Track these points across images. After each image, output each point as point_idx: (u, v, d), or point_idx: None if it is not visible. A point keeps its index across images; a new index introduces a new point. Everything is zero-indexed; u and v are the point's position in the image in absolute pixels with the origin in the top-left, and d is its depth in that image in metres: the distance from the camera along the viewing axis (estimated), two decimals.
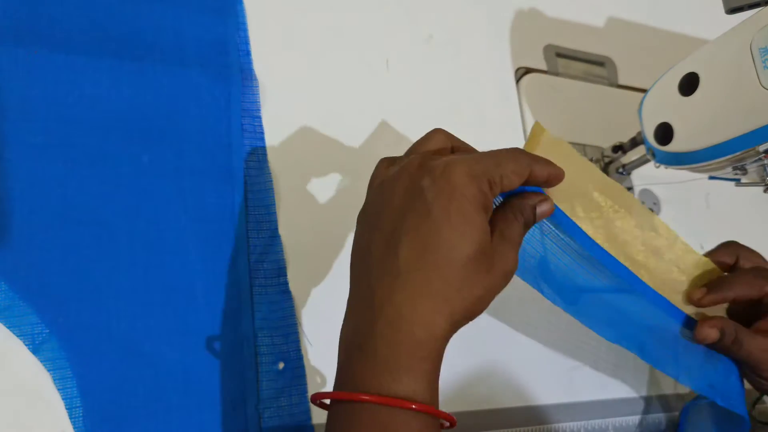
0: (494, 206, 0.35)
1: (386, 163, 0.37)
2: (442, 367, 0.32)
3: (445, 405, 0.45)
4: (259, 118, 0.47)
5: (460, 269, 0.32)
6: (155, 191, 0.42)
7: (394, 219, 0.33)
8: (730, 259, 0.45)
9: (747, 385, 0.46)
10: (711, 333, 0.43)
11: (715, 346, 0.44)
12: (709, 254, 0.46)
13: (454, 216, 0.32)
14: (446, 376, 0.46)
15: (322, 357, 0.43)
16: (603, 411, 0.51)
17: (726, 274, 0.45)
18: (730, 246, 0.46)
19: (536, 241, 0.40)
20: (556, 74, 0.61)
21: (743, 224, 0.63)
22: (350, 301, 0.34)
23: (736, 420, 0.46)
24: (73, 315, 0.38)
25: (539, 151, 0.38)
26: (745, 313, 0.45)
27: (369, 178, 0.49)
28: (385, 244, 0.33)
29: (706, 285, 0.44)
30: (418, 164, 0.34)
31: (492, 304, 0.34)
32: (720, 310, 0.46)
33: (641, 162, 0.54)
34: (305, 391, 0.42)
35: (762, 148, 0.41)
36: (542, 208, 0.36)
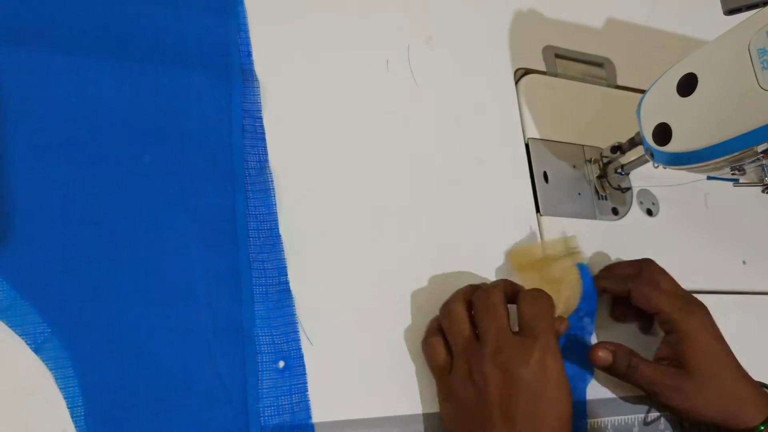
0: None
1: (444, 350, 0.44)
2: None
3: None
4: (260, 118, 0.47)
5: (565, 427, 0.40)
6: (156, 191, 0.42)
7: (503, 406, 0.39)
8: (634, 271, 0.51)
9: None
10: (604, 356, 0.47)
11: (612, 372, 0.48)
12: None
13: (554, 390, 0.40)
14: None
15: (322, 356, 0.43)
16: (604, 410, 0.51)
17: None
18: (633, 262, 0.52)
19: None
20: (555, 75, 0.61)
21: (742, 225, 0.64)
22: None
23: None
24: (75, 314, 0.38)
25: (522, 274, 0.50)
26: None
27: (369, 177, 0.49)
28: (503, 425, 0.39)
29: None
30: (507, 357, 0.40)
31: None
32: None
33: (640, 162, 0.54)
34: (306, 390, 0.42)
35: (760, 148, 0.41)
36: (562, 330, 0.44)
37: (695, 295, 0.50)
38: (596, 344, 0.47)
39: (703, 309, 0.47)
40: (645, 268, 0.50)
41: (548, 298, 0.43)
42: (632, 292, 0.48)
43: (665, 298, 0.47)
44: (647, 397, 0.49)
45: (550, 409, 0.39)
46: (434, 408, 0.45)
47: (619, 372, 0.47)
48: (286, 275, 0.44)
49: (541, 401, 0.39)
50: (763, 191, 0.46)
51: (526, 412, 0.39)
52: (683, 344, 0.46)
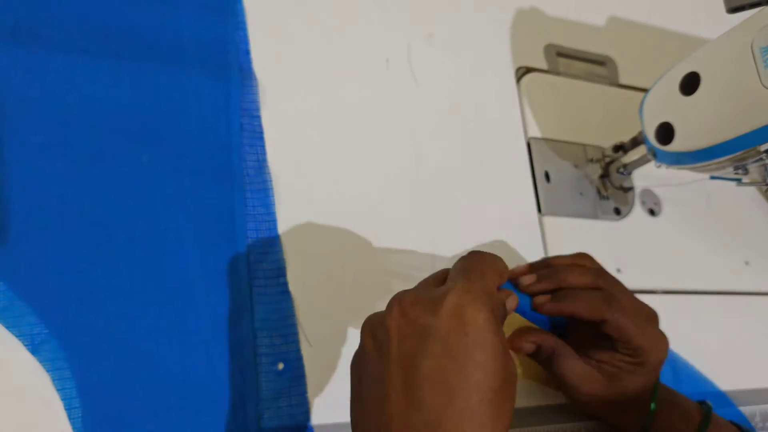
0: None
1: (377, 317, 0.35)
2: None
3: None
4: (259, 117, 0.47)
5: (489, 406, 0.30)
6: (154, 191, 0.42)
7: (405, 366, 0.31)
8: (593, 285, 0.43)
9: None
10: (525, 346, 0.43)
11: (534, 358, 0.45)
12: (563, 260, 0.45)
13: (474, 350, 0.30)
14: None
15: (321, 358, 0.43)
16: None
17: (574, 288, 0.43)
18: (594, 272, 0.44)
19: None
20: (557, 74, 0.61)
21: (745, 225, 0.63)
22: None
23: None
24: (72, 315, 0.38)
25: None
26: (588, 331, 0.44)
27: (369, 178, 0.49)
28: (403, 395, 0.30)
29: (552, 294, 0.43)
30: (411, 302, 0.32)
31: None
32: None
33: (642, 162, 0.54)
34: (305, 391, 0.41)
35: (763, 147, 0.41)
36: (510, 304, 0.36)
37: (696, 296, 0.49)
38: (522, 332, 0.44)
39: (666, 342, 0.44)
40: (603, 282, 0.43)
41: (494, 257, 0.36)
42: (608, 322, 0.41)
43: (639, 331, 0.42)
44: None
45: (466, 374, 0.30)
46: None
47: (540, 361, 0.44)
48: (285, 276, 0.44)
49: (454, 363, 0.30)
50: (766, 191, 0.45)
51: (433, 376, 0.30)
52: (638, 371, 0.42)
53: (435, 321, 0.31)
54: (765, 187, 0.45)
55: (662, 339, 0.43)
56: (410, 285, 0.47)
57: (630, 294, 0.44)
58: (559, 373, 0.43)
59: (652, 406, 0.43)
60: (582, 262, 0.45)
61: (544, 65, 0.60)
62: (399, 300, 0.32)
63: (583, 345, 0.44)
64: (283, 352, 0.42)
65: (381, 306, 0.45)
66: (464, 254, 0.37)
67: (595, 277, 0.43)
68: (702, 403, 0.45)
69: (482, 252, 0.36)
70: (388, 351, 0.31)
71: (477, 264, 0.35)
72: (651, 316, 0.43)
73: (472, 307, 0.31)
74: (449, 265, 0.49)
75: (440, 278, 0.36)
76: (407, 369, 0.30)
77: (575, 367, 0.43)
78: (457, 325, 0.30)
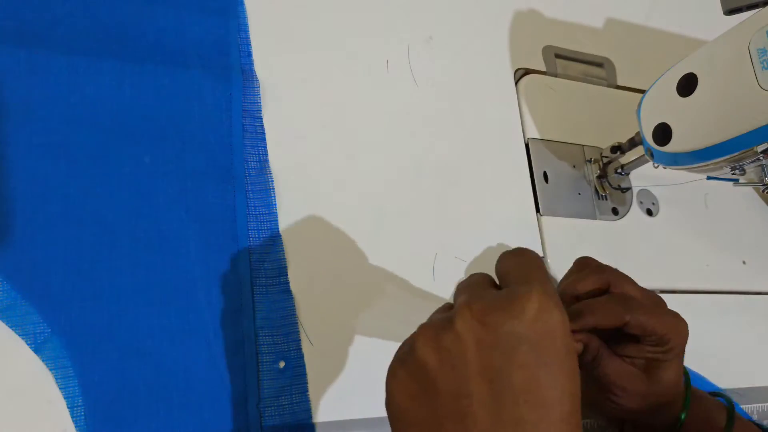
0: None
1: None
2: None
3: None
4: (260, 118, 0.47)
5: (576, 414, 0.27)
6: (157, 191, 0.42)
7: (490, 380, 0.27)
8: (603, 285, 0.41)
9: None
10: (575, 346, 0.39)
11: (579, 359, 0.39)
12: (576, 280, 0.42)
13: (564, 356, 0.28)
14: None
15: (322, 356, 0.43)
16: None
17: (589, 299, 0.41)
18: (598, 270, 0.42)
19: None
20: (555, 75, 0.61)
21: (742, 225, 0.64)
22: None
23: None
24: (75, 314, 0.38)
25: None
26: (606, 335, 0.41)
27: (369, 178, 0.49)
28: (491, 412, 0.27)
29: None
30: (485, 308, 0.28)
31: None
32: None
33: (640, 162, 0.54)
34: (306, 389, 0.42)
35: (760, 148, 0.41)
36: None
37: (693, 295, 0.49)
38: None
39: (684, 322, 0.42)
40: (612, 280, 0.41)
41: (534, 253, 0.33)
42: (630, 324, 0.39)
43: (658, 321, 0.40)
44: None
45: (560, 383, 0.27)
46: None
47: (583, 362, 0.41)
48: (286, 275, 0.44)
49: (547, 372, 0.27)
50: (763, 191, 0.45)
51: (529, 389, 0.27)
52: (667, 357, 0.40)
53: (521, 327, 0.27)
54: (762, 188, 0.45)
55: (679, 320, 0.41)
56: (410, 284, 0.48)
57: (636, 284, 0.42)
58: (604, 374, 0.40)
59: (686, 396, 0.41)
60: (582, 267, 0.43)
61: (542, 67, 0.61)
62: (467, 307, 0.29)
63: (608, 343, 0.41)
64: (284, 351, 0.42)
65: (381, 305, 0.46)
66: (506, 251, 0.34)
67: (599, 276, 0.41)
68: (717, 394, 0.44)
69: (526, 250, 0.33)
70: (466, 364, 0.28)
71: (533, 261, 0.32)
72: (659, 301, 0.42)
73: (556, 310, 0.28)
74: (449, 264, 0.49)
75: (489, 281, 0.33)
76: (494, 383, 0.27)
77: (618, 366, 0.40)
78: (545, 331, 0.28)
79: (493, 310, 0.28)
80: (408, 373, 0.30)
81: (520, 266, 0.31)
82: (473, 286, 0.32)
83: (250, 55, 0.48)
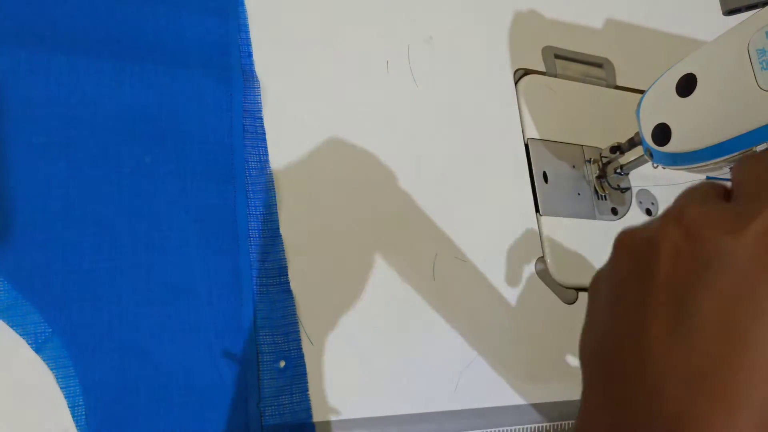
0: None
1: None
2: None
3: (435, 404, 0.45)
4: (261, 118, 0.47)
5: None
6: (157, 191, 0.42)
7: (676, 297, 0.23)
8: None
9: None
10: None
11: None
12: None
13: None
14: (441, 378, 0.46)
15: (322, 355, 0.43)
16: None
17: None
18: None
19: None
20: (555, 75, 0.61)
21: None
22: (595, 400, 0.25)
23: None
24: (76, 314, 0.39)
25: None
26: None
27: (369, 178, 0.49)
28: (668, 330, 0.23)
29: None
30: (699, 218, 0.24)
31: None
32: None
33: (639, 163, 0.54)
34: (306, 389, 0.42)
35: (759, 148, 0.41)
36: None
37: None
38: None
39: None
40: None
41: None
42: None
43: None
44: None
45: (763, 323, 0.21)
46: (433, 408, 0.45)
47: None
48: (287, 275, 0.44)
49: (748, 307, 0.21)
50: None
51: (715, 318, 0.22)
52: None
53: (735, 246, 0.22)
54: None
55: None
56: (410, 284, 0.48)
57: None
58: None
59: None
60: None
61: (542, 67, 0.61)
62: (678, 214, 0.25)
63: None
64: (285, 350, 0.42)
65: (381, 305, 0.46)
66: (748, 154, 0.27)
67: None
68: None
69: None
70: (654, 276, 0.24)
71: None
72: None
73: None
74: (449, 264, 0.49)
75: (719, 192, 0.26)
76: (678, 301, 0.23)
77: None
78: (763, 260, 0.21)
79: (706, 222, 0.23)
80: (603, 273, 0.27)
81: (758, 176, 0.25)
82: (694, 192, 0.27)
83: (250, 55, 0.48)
